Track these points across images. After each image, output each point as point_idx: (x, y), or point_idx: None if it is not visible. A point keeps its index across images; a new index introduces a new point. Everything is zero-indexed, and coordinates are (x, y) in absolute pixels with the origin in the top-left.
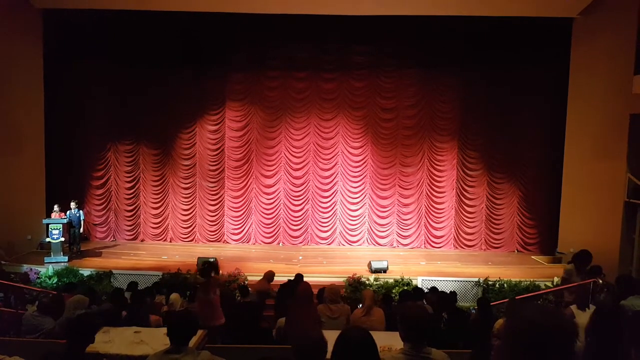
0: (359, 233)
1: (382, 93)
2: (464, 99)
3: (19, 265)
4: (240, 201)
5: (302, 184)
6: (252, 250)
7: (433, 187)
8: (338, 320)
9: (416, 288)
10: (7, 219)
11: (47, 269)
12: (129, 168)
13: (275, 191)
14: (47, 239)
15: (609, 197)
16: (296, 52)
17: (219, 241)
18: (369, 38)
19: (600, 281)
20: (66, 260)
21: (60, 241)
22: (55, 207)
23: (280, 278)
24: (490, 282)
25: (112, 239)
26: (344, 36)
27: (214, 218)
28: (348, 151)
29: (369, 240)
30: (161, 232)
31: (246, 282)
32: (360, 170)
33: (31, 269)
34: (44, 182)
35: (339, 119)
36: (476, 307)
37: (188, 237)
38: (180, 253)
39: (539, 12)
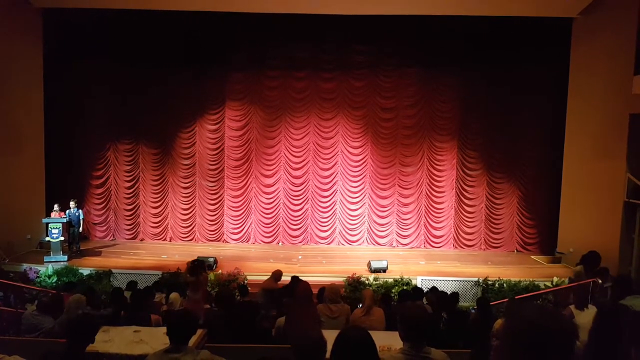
0: (359, 233)
1: (381, 93)
2: (463, 99)
3: (19, 264)
4: (240, 201)
5: (302, 184)
6: (251, 249)
7: (433, 186)
8: (338, 320)
9: (415, 288)
10: (6, 218)
11: (47, 268)
12: (129, 167)
13: (274, 191)
14: (47, 238)
15: (609, 197)
16: (296, 51)
17: (218, 240)
18: (368, 38)
19: (600, 281)
20: (66, 259)
21: (60, 240)
22: (56, 207)
23: None
24: (489, 282)
25: (111, 238)
26: (344, 36)
27: (213, 217)
28: (348, 151)
29: (368, 240)
30: (161, 231)
31: (246, 281)
32: (359, 170)
33: (31, 268)
34: (43, 181)
35: (338, 118)
36: (476, 307)
37: (188, 236)
38: (180, 252)
39: (539, 12)
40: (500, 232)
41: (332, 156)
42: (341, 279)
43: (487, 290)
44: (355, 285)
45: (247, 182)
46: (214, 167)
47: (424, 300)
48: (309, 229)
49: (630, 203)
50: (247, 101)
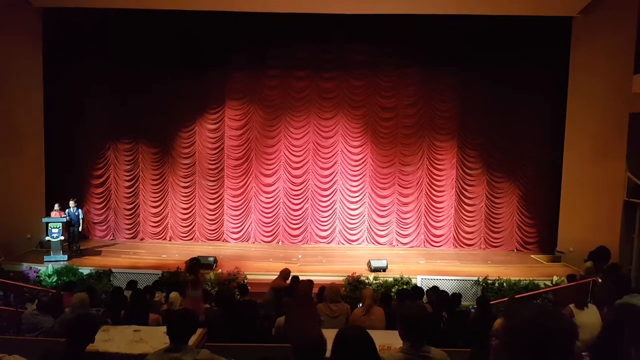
0: (359, 232)
1: (381, 92)
2: (463, 98)
3: (19, 263)
4: (240, 200)
5: (302, 183)
6: (251, 249)
7: (432, 186)
8: (338, 319)
9: (415, 287)
10: (6, 217)
11: (47, 267)
12: (129, 167)
13: (274, 190)
14: (47, 238)
15: (609, 196)
16: (296, 51)
17: (218, 240)
18: (368, 37)
19: (600, 280)
20: (66, 259)
21: (60, 240)
22: (56, 206)
23: None
24: (489, 281)
25: (111, 237)
26: (344, 35)
27: (213, 217)
28: (347, 150)
29: (368, 239)
30: (161, 230)
31: (246, 280)
32: (359, 169)
33: (31, 268)
34: (43, 181)
35: (338, 118)
36: (475, 306)
37: (187, 235)
38: (180, 252)
39: (539, 11)
40: (500, 231)
41: (332, 155)
42: (341, 278)
43: (486, 289)
44: (355, 284)
45: (247, 181)
46: (213, 166)
47: (425, 299)
48: (309, 228)
49: (630, 202)
50: (247, 100)
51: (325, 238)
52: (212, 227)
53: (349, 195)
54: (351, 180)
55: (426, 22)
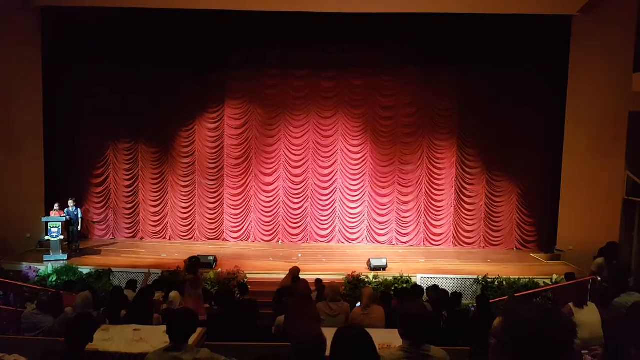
0: (358, 231)
1: (381, 91)
2: (463, 97)
3: (18, 263)
4: (240, 199)
5: (302, 182)
6: (251, 248)
7: (432, 185)
8: (337, 318)
9: (415, 285)
10: (6, 217)
11: (47, 267)
12: (128, 166)
13: (274, 189)
14: (46, 237)
15: (608, 194)
16: (295, 50)
17: (218, 239)
18: (368, 36)
19: (599, 279)
20: (65, 258)
21: (60, 239)
22: (56, 206)
23: (279, 276)
24: (489, 280)
25: (111, 236)
26: (343, 34)
27: (213, 216)
28: (347, 149)
29: (368, 238)
30: (160, 230)
31: (245, 279)
32: (359, 168)
33: (30, 267)
34: (43, 180)
35: (338, 117)
36: (475, 305)
37: (187, 235)
38: (180, 251)
39: (539, 10)
40: (500, 229)
41: (332, 154)
42: (341, 277)
43: (486, 287)
44: (355, 283)
45: (246, 180)
46: (213, 165)
47: (425, 298)
48: (309, 227)
49: (629, 201)
50: (247, 100)
51: (325, 237)
52: (212, 226)
53: (349, 194)
54: (351, 179)
55: (426, 21)
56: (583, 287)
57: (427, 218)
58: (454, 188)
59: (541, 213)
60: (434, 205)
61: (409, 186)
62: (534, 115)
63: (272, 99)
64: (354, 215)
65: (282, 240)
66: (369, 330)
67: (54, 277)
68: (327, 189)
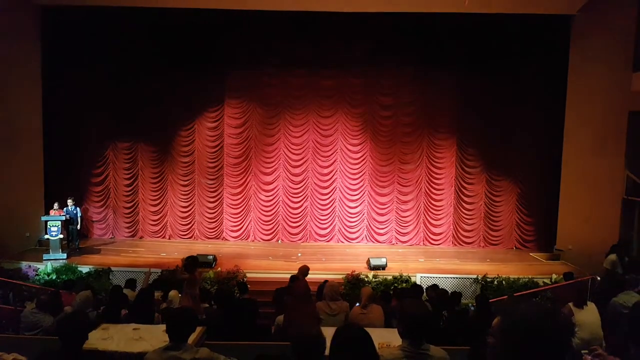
0: (358, 230)
1: (381, 91)
2: (462, 96)
3: (18, 262)
4: (239, 198)
5: (301, 181)
6: (251, 247)
7: (432, 184)
8: (337, 317)
9: (415, 285)
10: (5, 216)
11: (46, 266)
12: (128, 165)
13: (274, 188)
14: (46, 236)
15: (608, 194)
16: (295, 49)
17: (217, 238)
18: (367, 36)
19: (599, 278)
20: (65, 257)
21: (59, 238)
22: (55, 205)
23: (279, 275)
24: (488, 279)
25: (110, 236)
26: (343, 33)
27: (212, 215)
28: (347, 148)
29: (367, 238)
30: (160, 229)
31: (245, 279)
32: (359, 168)
33: (30, 266)
34: (42, 179)
35: (337, 116)
36: (475, 304)
37: (187, 234)
38: (179, 250)
39: (539, 9)
40: (499, 229)
41: (332, 154)
42: (340, 277)
43: (486, 287)
44: (354, 282)
45: (246, 179)
46: (213, 164)
47: (425, 297)
48: (309, 227)
49: (629, 200)
50: (246, 99)
51: (325, 236)
52: (212, 226)
53: (349, 194)
54: (350, 178)
55: (425, 21)
56: (583, 287)
57: (426, 217)
58: (453, 187)
59: (541, 212)
60: (433, 204)
61: (409, 185)
62: (534, 114)
63: (271, 98)
64: (353, 215)
65: (281, 240)
66: (368, 330)
67: (54, 276)
68: (326, 188)
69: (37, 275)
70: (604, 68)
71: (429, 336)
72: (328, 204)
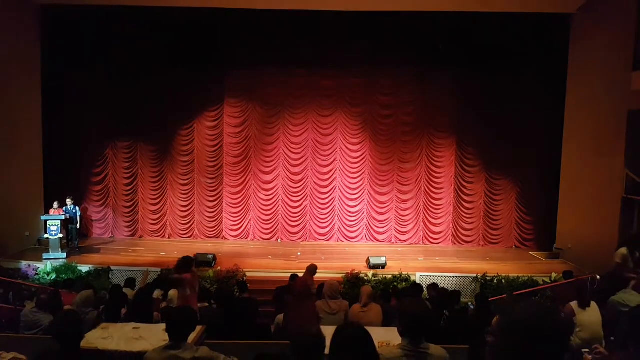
0: (358, 229)
1: (380, 90)
2: (462, 96)
3: (17, 261)
4: (239, 197)
5: (301, 180)
6: (250, 246)
7: (431, 183)
8: (337, 316)
9: (414, 284)
10: (5, 215)
11: (46, 265)
12: (127, 165)
13: (273, 187)
14: (45, 236)
15: (607, 193)
16: (295, 49)
17: (217, 237)
18: (367, 35)
19: (598, 277)
20: (64, 256)
21: (59, 237)
22: (55, 204)
23: (278, 274)
24: (488, 278)
25: (110, 235)
26: (343, 33)
27: (212, 214)
28: (347, 147)
29: (367, 237)
30: (160, 228)
31: (245, 278)
32: (358, 167)
33: (29, 266)
34: (42, 179)
35: (337, 115)
36: (474, 303)
37: (186, 233)
38: (179, 249)
39: (538, 8)
40: (499, 228)
41: (331, 153)
42: (340, 276)
43: (485, 286)
44: (354, 281)
45: (246, 179)
46: (212, 164)
47: (425, 296)
48: (308, 226)
49: (628, 199)
50: (246, 98)
51: (324, 235)
52: (211, 225)
53: (348, 193)
54: (350, 177)
55: (425, 20)
56: (582, 285)
57: (426, 216)
58: (453, 186)
59: (540, 211)
60: (433, 203)
61: (408, 184)
62: (533, 113)
63: (271, 98)
64: (353, 214)
65: (281, 239)
66: (368, 328)
67: (53, 276)
68: (326, 187)
69: (36, 274)
70: (604, 67)
71: (429, 335)
72: (328, 203)
